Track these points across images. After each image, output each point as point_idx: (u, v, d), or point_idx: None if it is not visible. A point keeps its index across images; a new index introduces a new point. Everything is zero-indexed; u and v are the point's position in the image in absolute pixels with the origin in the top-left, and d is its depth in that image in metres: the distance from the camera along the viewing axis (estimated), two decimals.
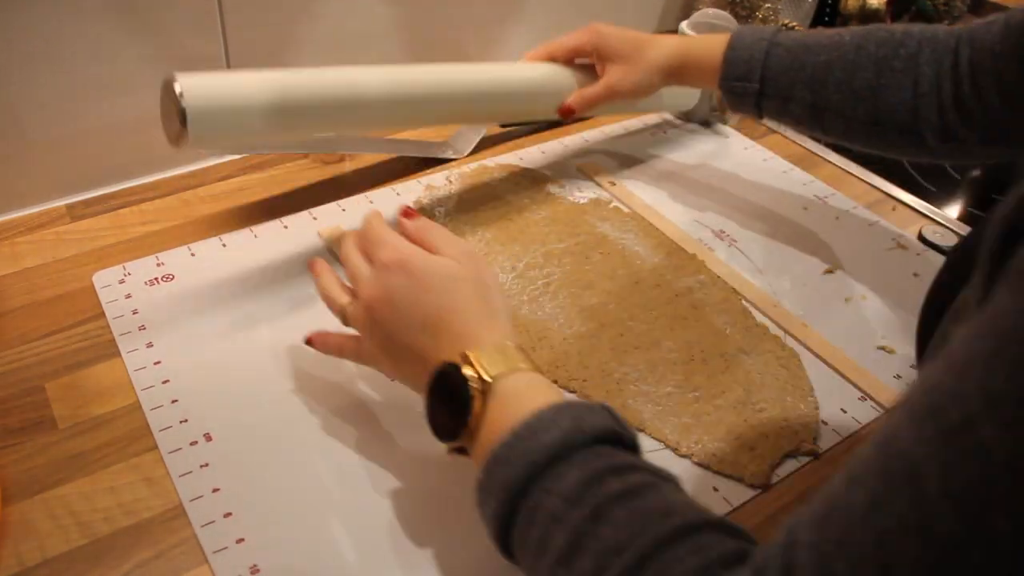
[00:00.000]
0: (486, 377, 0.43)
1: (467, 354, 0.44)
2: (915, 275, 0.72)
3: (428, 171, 0.83)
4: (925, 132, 0.63)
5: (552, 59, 0.75)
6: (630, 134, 0.92)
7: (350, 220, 0.75)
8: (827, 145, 0.92)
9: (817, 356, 0.64)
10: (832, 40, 0.66)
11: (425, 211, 0.76)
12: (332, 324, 0.54)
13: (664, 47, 0.72)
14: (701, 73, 0.71)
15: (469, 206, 0.77)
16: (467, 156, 0.85)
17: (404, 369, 0.49)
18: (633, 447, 0.42)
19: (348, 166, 0.83)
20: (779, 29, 0.69)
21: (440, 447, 0.46)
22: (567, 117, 0.75)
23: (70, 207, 0.75)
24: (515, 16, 0.95)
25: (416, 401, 0.47)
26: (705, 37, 0.73)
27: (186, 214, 0.75)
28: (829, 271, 0.73)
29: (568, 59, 0.75)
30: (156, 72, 0.74)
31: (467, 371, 0.43)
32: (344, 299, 0.53)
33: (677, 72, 0.72)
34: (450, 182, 0.80)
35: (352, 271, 0.52)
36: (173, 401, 0.56)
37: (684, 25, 0.91)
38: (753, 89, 0.68)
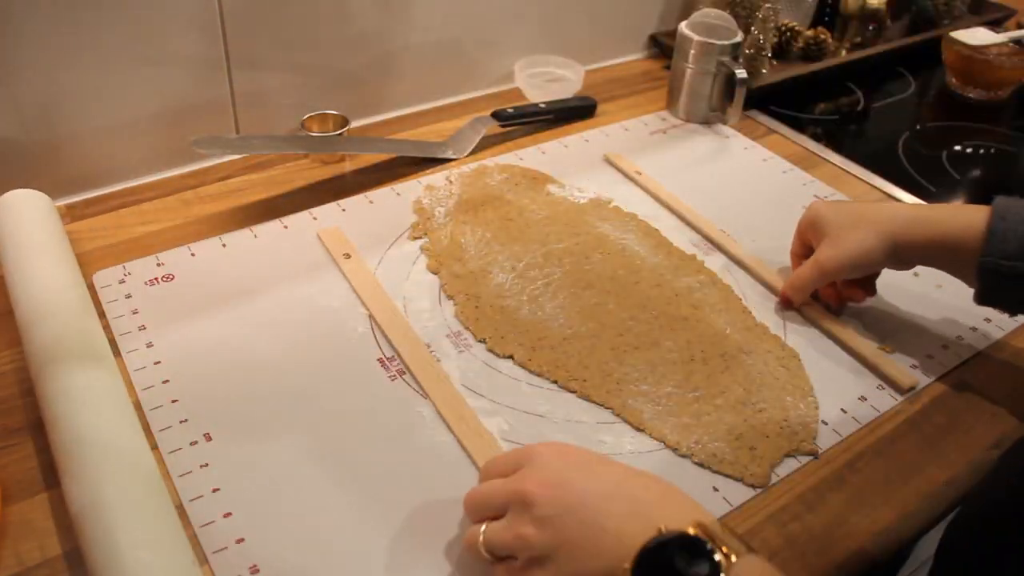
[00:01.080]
0: (732, 556, 0.37)
1: (703, 523, 0.38)
2: (915, 275, 0.72)
3: (428, 171, 0.83)
4: None
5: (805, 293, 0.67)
6: (630, 133, 0.92)
7: (350, 220, 0.75)
8: (827, 145, 0.92)
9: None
10: None
11: (425, 211, 0.76)
12: (332, 321, 0.54)
13: (889, 214, 0.62)
14: (946, 250, 0.59)
15: (469, 206, 0.77)
16: (467, 156, 0.85)
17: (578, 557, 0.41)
18: None
19: (348, 166, 0.83)
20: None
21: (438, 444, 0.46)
22: (787, 307, 0.68)
23: (70, 207, 0.75)
24: (515, 15, 0.95)
25: (416, 401, 0.47)
26: (951, 206, 0.62)
27: (186, 214, 0.75)
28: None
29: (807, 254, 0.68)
30: (156, 72, 0.74)
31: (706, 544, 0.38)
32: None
33: (908, 245, 0.61)
34: (450, 182, 0.80)
35: (497, 491, 0.46)
36: (173, 401, 0.56)
37: (683, 26, 0.91)
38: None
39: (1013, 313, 0.63)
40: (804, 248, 0.69)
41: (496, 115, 0.89)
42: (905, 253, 0.62)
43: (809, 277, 0.66)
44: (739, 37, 0.90)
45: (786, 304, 0.68)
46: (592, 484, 0.43)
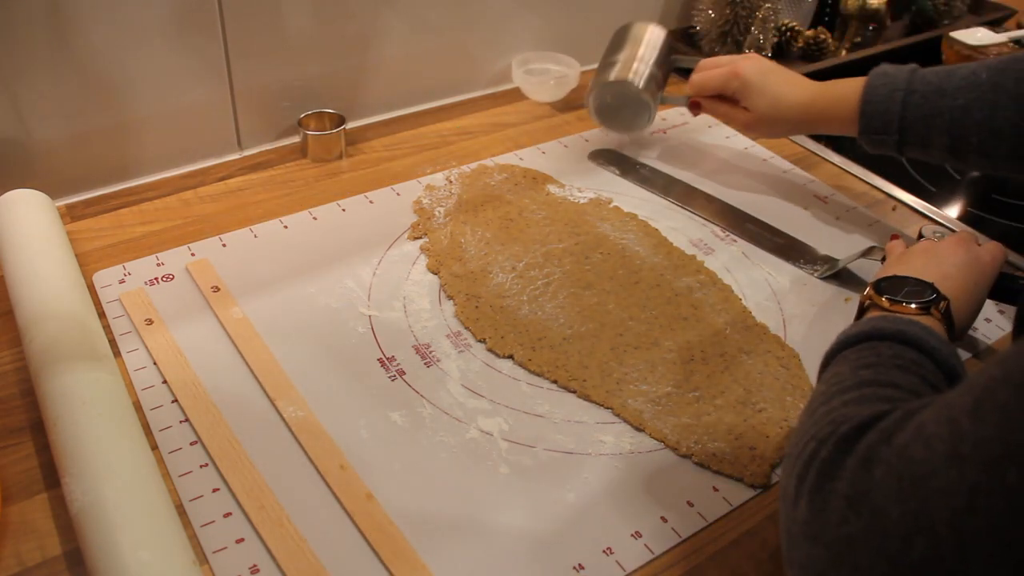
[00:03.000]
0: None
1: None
2: None
3: (428, 171, 0.83)
4: None
5: (700, 94, 0.80)
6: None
7: (350, 219, 0.75)
8: (827, 145, 0.92)
9: None
10: (968, 80, 0.65)
11: (425, 211, 0.76)
12: (332, 321, 0.54)
13: (797, 98, 0.74)
14: (839, 124, 0.72)
15: (469, 206, 0.77)
16: (469, 159, 0.85)
17: None
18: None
19: (345, 166, 0.83)
20: (913, 72, 0.68)
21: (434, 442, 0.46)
22: (695, 113, 0.83)
23: (70, 207, 0.75)
24: (515, 15, 0.95)
25: (413, 402, 0.47)
26: (837, 86, 0.72)
27: (186, 214, 0.75)
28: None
29: (713, 95, 0.80)
30: (156, 72, 0.74)
31: None
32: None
33: (812, 122, 0.75)
34: (450, 182, 0.81)
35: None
36: (173, 401, 0.57)
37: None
38: (893, 140, 0.69)
39: (874, 150, 0.71)
40: (713, 92, 0.79)
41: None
42: (807, 129, 0.78)
43: (738, 129, 0.82)
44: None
45: (695, 107, 0.82)
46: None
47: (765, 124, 0.77)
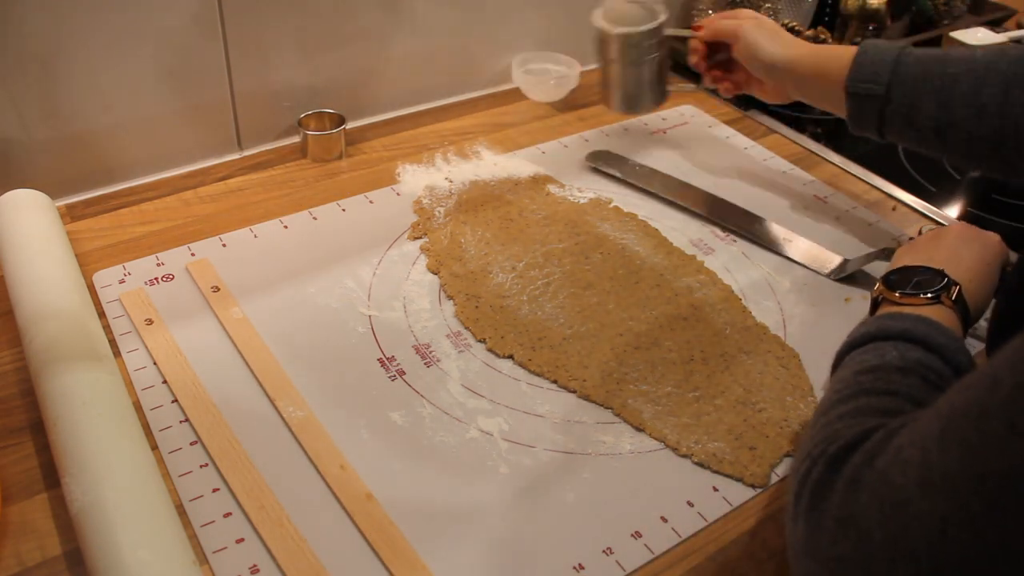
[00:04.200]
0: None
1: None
2: None
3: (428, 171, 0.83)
4: None
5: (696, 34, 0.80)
6: (630, 133, 0.92)
7: (350, 219, 0.75)
8: (827, 145, 0.92)
9: None
10: (964, 55, 0.64)
11: (425, 211, 0.76)
12: (332, 321, 0.54)
13: (793, 56, 0.74)
14: (827, 81, 0.70)
15: (469, 206, 0.77)
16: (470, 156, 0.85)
17: None
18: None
19: (345, 165, 0.83)
20: (910, 43, 0.68)
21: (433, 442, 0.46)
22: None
23: (70, 207, 0.75)
24: (514, 15, 0.95)
25: (413, 402, 0.47)
26: (832, 47, 0.73)
27: (186, 214, 0.75)
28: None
29: (711, 40, 0.80)
30: (156, 72, 0.74)
31: None
32: None
33: (806, 79, 0.73)
34: (450, 182, 0.80)
35: None
36: (173, 401, 0.57)
37: (598, 18, 0.81)
38: (879, 92, 0.66)
39: (882, 138, 0.70)
40: (713, 37, 0.79)
41: None
42: (800, 86, 0.74)
43: (727, 27, 0.77)
44: (662, 17, 0.80)
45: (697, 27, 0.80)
46: None
47: (760, 88, 0.78)
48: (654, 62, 0.82)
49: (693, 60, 0.82)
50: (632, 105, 0.86)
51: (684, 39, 0.83)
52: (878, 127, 0.68)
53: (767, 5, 0.95)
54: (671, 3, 1.08)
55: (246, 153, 0.84)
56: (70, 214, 0.74)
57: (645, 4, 0.81)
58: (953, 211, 0.85)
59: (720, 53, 0.80)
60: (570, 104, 0.96)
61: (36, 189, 0.70)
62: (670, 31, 0.81)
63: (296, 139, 0.85)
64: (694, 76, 0.85)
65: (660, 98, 0.85)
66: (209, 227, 0.73)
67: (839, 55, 0.70)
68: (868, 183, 0.87)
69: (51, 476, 0.51)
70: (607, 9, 0.81)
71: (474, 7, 0.91)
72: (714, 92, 0.84)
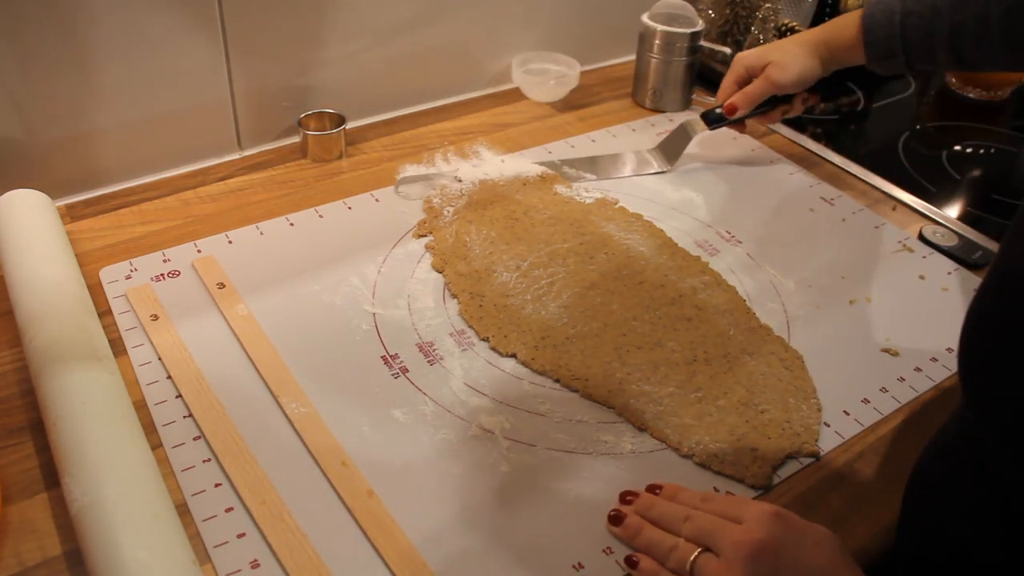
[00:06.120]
0: None
1: None
2: (921, 277, 0.72)
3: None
4: None
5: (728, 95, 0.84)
6: (635, 135, 0.92)
7: (356, 218, 0.75)
8: (827, 145, 0.92)
9: None
10: None
11: (435, 209, 0.76)
12: (336, 319, 0.54)
13: (806, 40, 0.79)
14: (850, 54, 0.77)
15: (477, 205, 0.77)
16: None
17: None
18: None
19: (345, 165, 0.83)
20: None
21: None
22: (731, 115, 0.83)
23: (70, 207, 0.74)
24: (515, 15, 0.95)
25: (415, 399, 0.47)
26: (835, 22, 0.78)
27: (186, 214, 0.75)
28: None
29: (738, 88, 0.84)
30: (156, 72, 0.74)
31: None
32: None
33: (827, 58, 0.79)
34: (459, 181, 0.80)
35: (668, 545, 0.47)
36: (177, 396, 0.56)
37: (645, 17, 0.93)
38: (901, 62, 0.74)
39: (885, 72, 0.77)
40: (737, 85, 0.83)
41: (705, 116, 0.86)
42: (829, 64, 0.79)
43: (760, 89, 0.80)
44: (700, 26, 0.92)
45: (730, 111, 0.82)
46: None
47: (787, 70, 0.79)
48: (682, 65, 0.93)
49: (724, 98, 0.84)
50: (658, 100, 0.96)
51: (718, 56, 0.93)
52: (908, 75, 0.76)
53: (767, 5, 0.96)
54: None
55: (246, 153, 0.84)
56: (70, 214, 0.73)
57: (688, 13, 0.93)
58: (953, 211, 0.84)
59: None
60: (570, 104, 0.96)
61: (36, 189, 0.69)
62: (705, 43, 0.93)
63: (296, 139, 0.85)
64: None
65: (685, 101, 0.95)
66: (209, 227, 0.73)
67: (847, 29, 0.76)
68: (868, 183, 0.86)
69: (51, 476, 0.51)
70: (653, 13, 0.93)
71: (474, 7, 0.91)
72: (739, 121, 0.86)
